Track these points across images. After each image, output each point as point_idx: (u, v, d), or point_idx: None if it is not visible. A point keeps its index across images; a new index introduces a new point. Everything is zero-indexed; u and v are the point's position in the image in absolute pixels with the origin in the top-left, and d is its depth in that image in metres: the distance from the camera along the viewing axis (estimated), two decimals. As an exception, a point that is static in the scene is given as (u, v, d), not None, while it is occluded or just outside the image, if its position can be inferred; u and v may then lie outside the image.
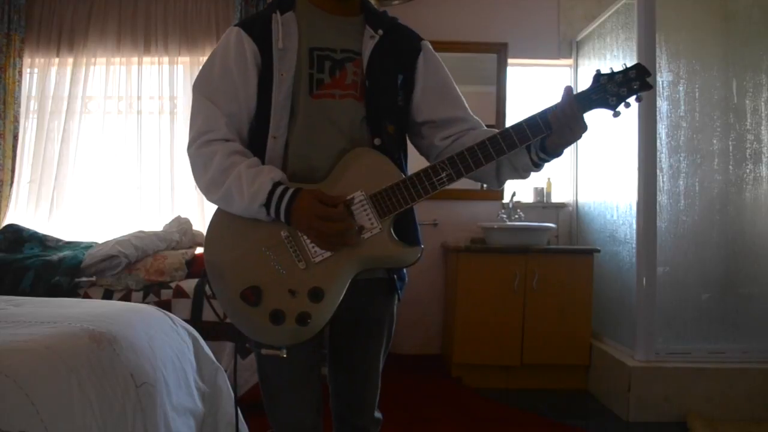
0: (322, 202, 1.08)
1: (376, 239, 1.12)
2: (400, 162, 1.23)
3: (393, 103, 1.23)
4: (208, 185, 1.14)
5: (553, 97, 1.13)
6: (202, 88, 1.19)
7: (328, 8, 1.21)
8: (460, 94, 1.31)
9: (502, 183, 1.27)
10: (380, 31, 1.21)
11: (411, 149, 1.33)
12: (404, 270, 1.30)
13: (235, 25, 1.22)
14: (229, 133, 1.16)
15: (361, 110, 1.19)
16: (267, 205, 1.08)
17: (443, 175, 1.11)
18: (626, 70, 1.09)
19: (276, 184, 1.09)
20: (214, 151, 1.12)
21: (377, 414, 1.35)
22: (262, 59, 1.17)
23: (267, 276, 1.12)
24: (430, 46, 1.30)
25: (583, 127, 1.10)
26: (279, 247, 1.12)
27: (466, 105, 1.30)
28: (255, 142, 1.19)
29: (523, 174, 1.22)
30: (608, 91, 1.09)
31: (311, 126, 1.17)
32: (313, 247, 1.11)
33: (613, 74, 1.09)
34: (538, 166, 1.19)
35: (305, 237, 1.12)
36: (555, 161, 1.21)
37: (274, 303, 1.10)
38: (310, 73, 1.17)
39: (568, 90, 1.09)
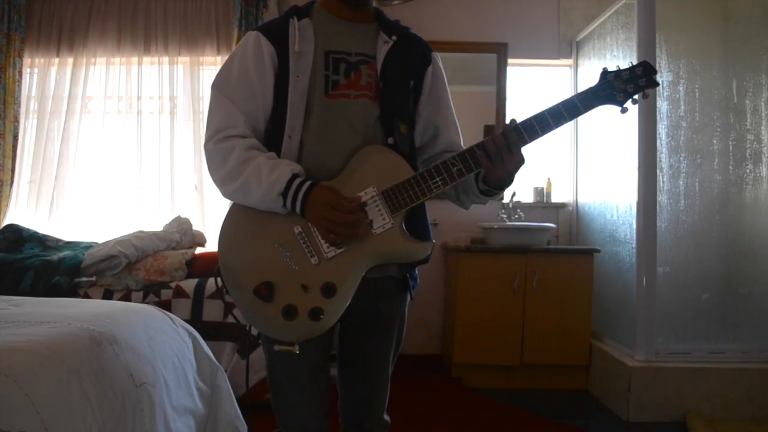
0: (338, 196, 1.12)
1: (388, 234, 1.13)
2: (413, 160, 1.26)
3: (405, 104, 1.26)
4: (224, 177, 1.16)
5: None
6: (221, 87, 1.22)
7: (343, 16, 1.25)
8: (454, 115, 1.35)
9: (466, 206, 1.34)
10: (394, 37, 1.24)
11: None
12: (416, 270, 1.31)
13: (254, 29, 1.26)
14: (247, 130, 1.19)
15: (375, 110, 1.21)
16: (285, 193, 1.10)
17: (454, 170, 1.13)
18: (633, 68, 1.11)
19: (295, 175, 1.11)
20: (233, 145, 1.15)
21: (386, 417, 1.34)
22: (279, 61, 1.20)
23: (280, 272, 1.13)
24: (440, 61, 1.34)
25: (520, 161, 1.13)
26: (292, 243, 1.14)
27: (457, 126, 1.35)
28: (270, 142, 1.21)
29: (477, 201, 1.28)
30: (615, 87, 1.11)
31: (326, 125, 1.19)
32: (325, 242, 1.13)
33: (619, 71, 1.11)
34: (488, 195, 1.23)
35: (318, 232, 1.13)
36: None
37: (286, 298, 1.12)
38: (326, 75, 1.20)
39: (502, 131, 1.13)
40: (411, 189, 1.13)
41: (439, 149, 1.33)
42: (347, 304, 1.13)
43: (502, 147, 1.11)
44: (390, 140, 1.20)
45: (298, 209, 1.11)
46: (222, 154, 1.16)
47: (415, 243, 1.15)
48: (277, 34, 1.21)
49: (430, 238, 1.23)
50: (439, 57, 1.34)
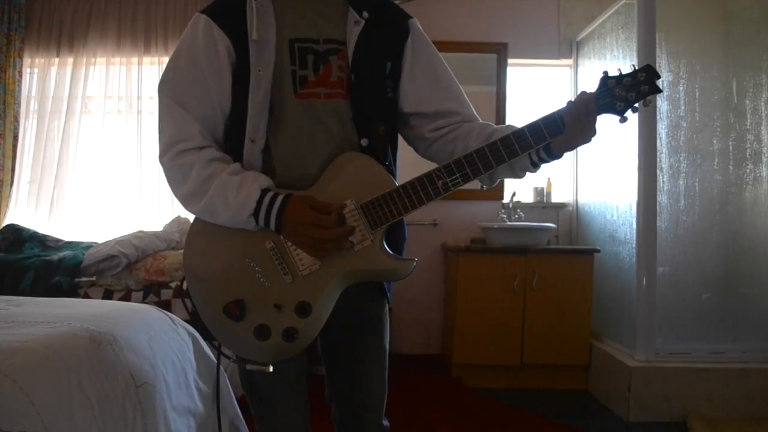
0: (314, 208, 1.01)
1: (368, 251, 1.04)
2: (390, 164, 1.15)
3: (382, 98, 1.13)
4: (186, 196, 1.06)
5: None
6: (169, 90, 1.08)
7: None
8: (453, 80, 1.21)
9: (494, 183, 1.19)
10: (365, 14, 1.10)
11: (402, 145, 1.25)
12: None
13: (202, 12, 1.09)
14: (204, 140, 1.06)
15: (348, 110, 1.10)
16: (256, 214, 1.01)
17: (439, 184, 1.03)
18: (635, 73, 1.01)
19: (264, 191, 1.01)
20: (191, 162, 1.04)
21: (384, 422, 1.26)
22: (236, 53, 1.06)
23: (251, 289, 1.05)
24: (419, 26, 1.19)
25: (593, 131, 1.04)
26: (264, 258, 1.05)
27: (459, 91, 1.21)
28: (230, 145, 1.09)
29: (519, 175, 1.15)
30: (616, 95, 1.01)
31: (299, 130, 1.07)
32: (300, 259, 1.04)
33: (621, 77, 1.01)
34: (536, 167, 1.12)
35: (292, 248, 1.05)
36: (557, 162, 1.15)
37: (259, 318, 1.04)
38: (293, 70, 1.07)
39: (584, 93, 1.03)
40: (393, 203, 1.03)
41: (453, 121, 1.18)
42: (323, 323, 1.06)
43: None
44: (364, 141, 1.08)
45: (272, 227, 1.02)
46: (180, 172, 1.05)
47: (396, 261, 1.06)
48: (230, 20, 1.06)
49: (405, 248, 1.16)
50: (418, 23, 1.19)
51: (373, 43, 1.10)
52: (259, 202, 1.01)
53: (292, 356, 1.07)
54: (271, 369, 1.07)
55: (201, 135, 1.06)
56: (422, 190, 1.03)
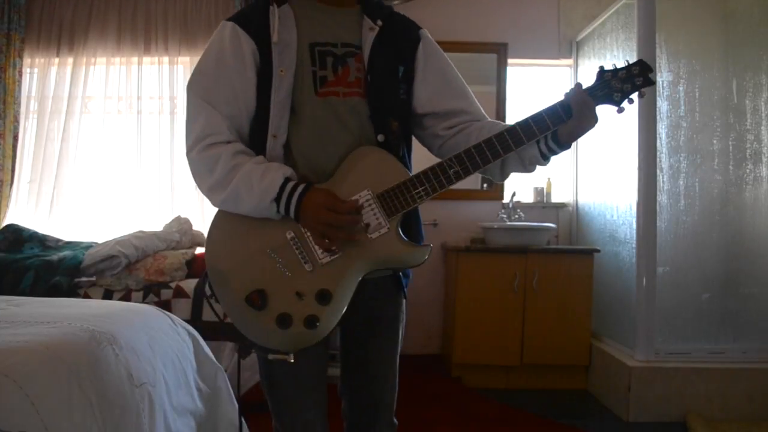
0: (334, 197, 1.08)
1: (385, 239, 1.10)
2: (404, 158, 1.22)
3: (396, 97, 1.20)
4: (212, 186, 1.11)
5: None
6: (198, 90, 1.15)
7: (325, 0, 1.19)
8: (463, 83, 1.29)
9: (506, 177, 1.24)
10: (379, 22, 1.19)
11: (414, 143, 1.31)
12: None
13: (229, 20, 1.17)
14: (231, 135, 1.13)
15: (366, 108, 1.17)
16: (278, 199, 1.06)
17: (451, 172, 1.09)
18: (629, 66, 1.09)
19: (287, 179, 1.07)
20: (218, 153, 1.10)
21: (394, 419, 1.30)
22: (260, 56, 1.14)
23: (272, 279, 1.09)
24: (429, 35, 1.28)
25: (596, 118, 1.10)
26: (284, 248, 1.10)
27: (469, 93, 1.29)
28: (254, 142, 1.16)
29: (529, 168, 1.19)
30: (612, 87, 1.09)
31: (319, 125, 1.14)
32: (319, 248, 1.09)
33: (616, 70, 1.10)
34: (546, 158, 1.16)
35: (311, 237, 1.10)
36: (556, 159, 1.20)
37: (280, 306, 1.08)
38: (313, 71, 1.14)
39: (579, 84, 1.10)
40: (407, 192, 1.09)
41: (464, 120, 1.26)
42: (344, 310, 1.10)
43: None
44: (380, 138, 1.15)
45: (292, 213, 1.07)
46: (207, 163, 1.10)
47: (412, 247, 1.12)
48: (255, 25, 1.14)
49: (422, 240, 1.21)
50: (428, 33, 1.28)
51: (386, 48, 1.19)
52: (282, 188, 1.06)
53: (313, 344, 1.10)
54: (292, 359, 1.10)
55: (228, 130, 1.12)
56: (435, 178, 1.09)
